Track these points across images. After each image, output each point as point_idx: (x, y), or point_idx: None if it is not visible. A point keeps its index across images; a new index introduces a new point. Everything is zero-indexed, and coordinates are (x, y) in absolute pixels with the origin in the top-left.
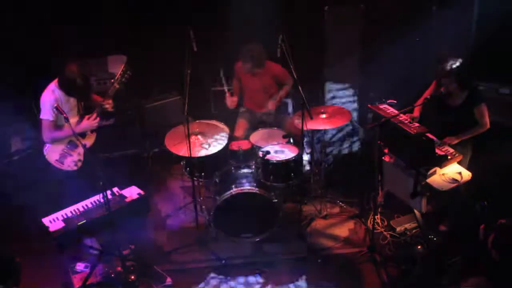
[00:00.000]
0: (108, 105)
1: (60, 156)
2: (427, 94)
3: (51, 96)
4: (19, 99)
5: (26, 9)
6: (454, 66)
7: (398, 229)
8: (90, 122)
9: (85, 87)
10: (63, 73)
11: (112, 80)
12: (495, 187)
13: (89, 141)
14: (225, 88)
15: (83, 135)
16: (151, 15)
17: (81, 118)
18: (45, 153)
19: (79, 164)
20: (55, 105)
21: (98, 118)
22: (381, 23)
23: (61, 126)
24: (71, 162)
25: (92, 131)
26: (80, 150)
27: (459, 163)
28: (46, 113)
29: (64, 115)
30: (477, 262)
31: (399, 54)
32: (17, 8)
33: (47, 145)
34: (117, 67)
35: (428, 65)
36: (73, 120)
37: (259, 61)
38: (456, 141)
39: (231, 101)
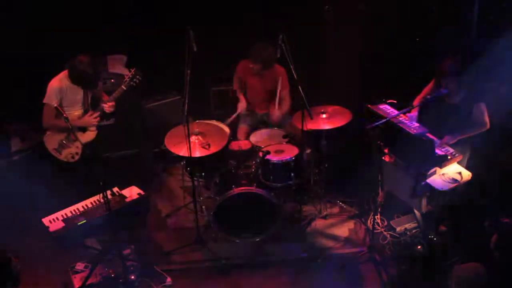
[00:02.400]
0: (108, 107)
1: (59, 145)
2: (424, 92)
3: (57, 85)
4: (19, 99)
5: (27, 8)
6: (453, 65)
7: (398, 229)
8: (90, 119)
9: (94, 78)
10: (73, 63)
11: (113, 80)
12: (495, 187)
13: (88, 137)
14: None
15: (83, 129)
16: (151, 15)
17: (85, 112)
18: (45, 139)
19: (76, 157)
20: (55, 105)
21: (98, 118)
22: (381, 23)
23: (61, 116)
24: (68, 153)
25: (93, 128)
26: (79, 143)
27: (458, 162)
28: (50, 98)
29: (64, 115)
30: (477, 262)
31: (399, 54)
32: (17, 8)
33: (47, 132)
34: (118, 67)
35: (428, 65)
36: (77, 113)
37: (269, 63)
38: (454, 140)
39: (241, 106)
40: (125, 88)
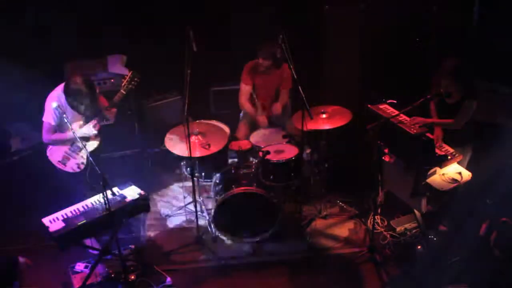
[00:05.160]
0: (111, 114)
1: (63, 157)
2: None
3: (56, 101)
4: (19, 99)
5: (26, 9)
6: (454, 66)
7: (398, 229)
8: (90, 128)
9: (89, 99)
10: (67, 85)
11: (113, 80)
12: (495, 186)
13: (92, 146)
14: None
15: (86, 139)
16: (151, 15)
17: (86, 122)
18: (48, 153)
19: (82, 166)
20: (55, 105)
21: (98, 126)
22: (381, 23)
23: (62, 129)
24: (74, 164)
25: (96, 136)
26: (83, 153)
27: (458, 163)
28: (48, 116)
29: (64, 115)
30: (478, 260)
31: (399, 53)
32: (17, 8)
33: (51, 146)
34: (118, 67)
35: (428, 65)
36: (78, 123)
37: (279, 61)
38: (423, 122)
39: (263, 122)
40: (124, 92)
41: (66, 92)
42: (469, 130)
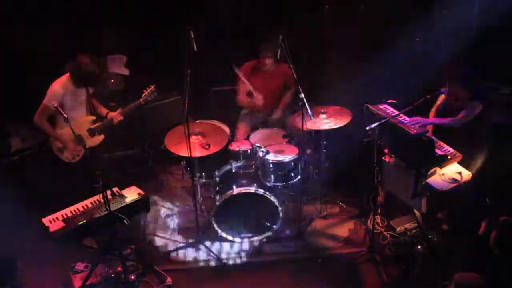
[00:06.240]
0: (117, 122)
1: (63, 146)
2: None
3: (59, 88)
4: (19, 99)
5: (26, 9)
6: (460, 73)
7: (398, 229)
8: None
9: (99, 76)
10: (75, 64)
11: (113, 80)
12: (496, 186)
13: (94, 142)
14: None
15: (92, 134)
16: (151, 15)
17: (91, 114)
18: (50, 138)
19: (77, 158)
20: (55, 105)
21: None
22: (381, 23)
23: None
24: (69, 154)
25: (100, 133)
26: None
27: (468, 167)
28: (50, 100)
29: (64, 115)
30: (478, 259)
31: (399, 53)
32: (17, 7)
33: (58, 131)
34: (118, 67)
35: (428, 65)
36: (80, 114)
37: (280, 59)
38: (423, 122)
39: (259, 99)
40: (142, 102)
41: (74, 73)
42: (483, 135)
